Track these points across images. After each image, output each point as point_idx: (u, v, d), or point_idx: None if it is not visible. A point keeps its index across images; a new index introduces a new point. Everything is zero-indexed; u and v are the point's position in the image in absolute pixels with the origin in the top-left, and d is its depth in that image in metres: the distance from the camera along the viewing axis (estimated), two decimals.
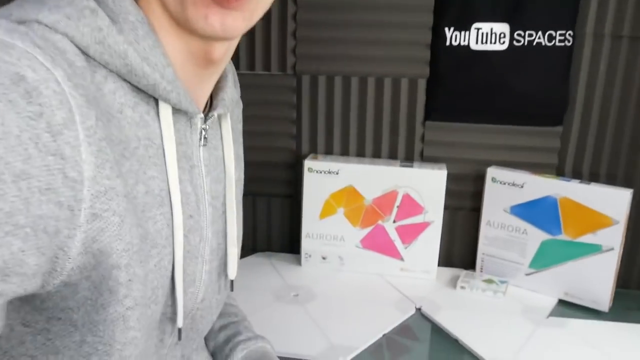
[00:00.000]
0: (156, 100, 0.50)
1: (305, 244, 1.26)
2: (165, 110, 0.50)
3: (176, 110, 0.52)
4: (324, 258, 1.26)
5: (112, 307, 0.46)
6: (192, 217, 0.55)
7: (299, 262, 1.29)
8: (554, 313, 1.10)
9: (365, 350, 0.95)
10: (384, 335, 1.00)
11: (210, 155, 0.58)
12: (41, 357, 0.47)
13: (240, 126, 0.74)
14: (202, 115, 0.54)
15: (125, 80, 0.47)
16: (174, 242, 0.52)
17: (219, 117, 0.61)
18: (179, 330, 0.56)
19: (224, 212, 0.62)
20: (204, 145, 0.56)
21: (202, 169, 0.56)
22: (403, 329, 1.03)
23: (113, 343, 0.47)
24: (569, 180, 1.12)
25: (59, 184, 0.39)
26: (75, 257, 0.42)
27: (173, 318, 0.56)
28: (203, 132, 0.56)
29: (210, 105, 0.59)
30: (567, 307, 1.13)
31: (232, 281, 0.66)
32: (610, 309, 1.10)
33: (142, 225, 0.47)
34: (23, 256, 0.37)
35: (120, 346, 0.48)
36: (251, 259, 1.33)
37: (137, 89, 0.48)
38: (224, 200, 0.61)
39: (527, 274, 1.18)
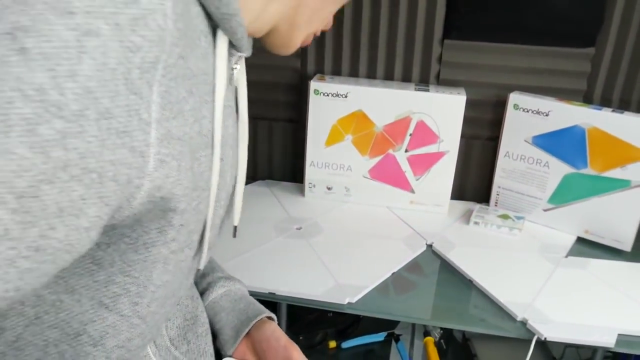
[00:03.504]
0: (213, 31, 0.46)
1: (310, 172, 1.17)
2: (223, 43, 0.47)
3: (230, 46, 0.49)
4: (329, 188, 1.18)
5: (157, 249, 0.45)
6: (222, 160, 0.52)
7: (302, 192, 1.21)
8: (572, 252, 1.04)
9: (373, 289, 0.90)
10: (392, 274, 0.94)
11: (232, 95, 0.55)
12: (50, 296, 0.43)
13: None
14: (244, 54, 0.52)
15: (200, 4, 0.43)
16: (211, 186, 0.50)
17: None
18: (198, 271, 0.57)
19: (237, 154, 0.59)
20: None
21: (230, 110, 0.53)
22: (413, 267, 0.97)
23: (148, 285, 0.46)
24: (599, 109, 1.02)
25: (135, 126, 0.36)
26: (136, 207, 0.39)
27: (194, 261, 0.55)
28: (234, 71, 0.53)
29: None
30: (587, 246, 1.06)
31: (235, 227, 0.63)
32: (633, 248, 1.04)
33: (193, 167, 0.44)
34: (83, 205, 0.34)
35: (155, 288, 0.47)
36: (251, 187, 1.25)
37: (207, 16, 0.45)
38: (237, 143, 0.58)
39: (545, 210, 1.11)
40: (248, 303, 0.73)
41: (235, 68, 0.53)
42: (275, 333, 0.69)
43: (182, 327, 0.64)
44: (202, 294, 0.73)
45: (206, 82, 0.46)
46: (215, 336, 0.71)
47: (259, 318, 0.70)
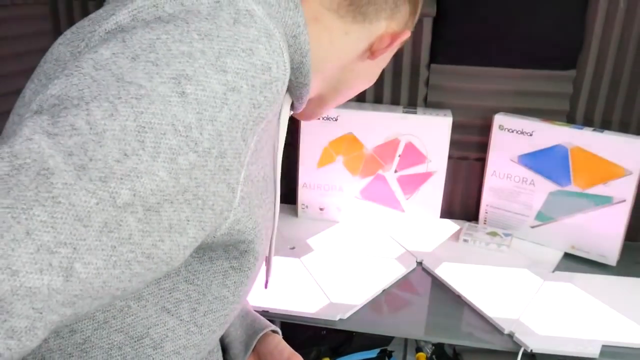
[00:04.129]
0: None
1: (302, 194, 1.20)
2: (287, 104, 0.56)
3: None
4: (321, 209, 1.21)
5: (219, 262, 0.51)
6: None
7: (295, 213, 1.24)
8: (559, 267, 1.06)
9: (364, 306, 0.92)
10: (383, 290, 0.96)
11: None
12: (119, 302, 0.48)
13: None
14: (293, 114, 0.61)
15: None
16: (274, 225, 0.59)
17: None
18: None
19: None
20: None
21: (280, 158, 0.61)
22: (403, 284, 0.99)
23: (207, 293, 0.51)
24: (581, 128, 1.05)
25: (235, 166, 0.43)
26: (218, 237, 0.45)
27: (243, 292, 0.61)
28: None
29: None
30: (573, 261, 1.09)
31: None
32: (618, 262, 1.06)
33: (260, 207, 0.51)
34: (187, 225, 0.40)
35: (212, 298, 0.52)
36: None
37: None
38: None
39: (533, 227, 1.14)
40: (254, 318, 0.77)
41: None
42: (279, 346, 0.73)
43: None
44: None
45: (273, 137, 0.53)
46: (224, 350, 0.74)
47: (264, 331, 0.74)
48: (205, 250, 0.50)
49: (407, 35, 0.61)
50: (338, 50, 0.58)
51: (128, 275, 0.38)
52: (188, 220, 0.40)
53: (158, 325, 0.50)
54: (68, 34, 0.47)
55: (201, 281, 0.51)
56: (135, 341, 0.49)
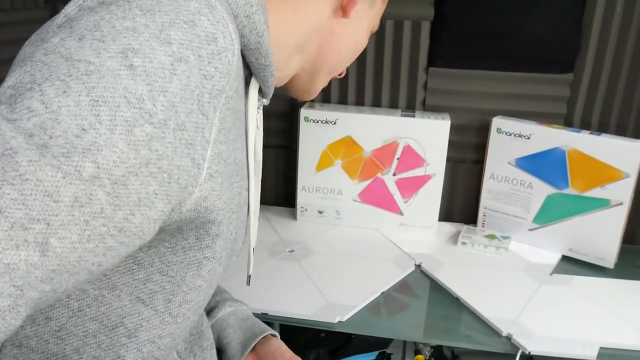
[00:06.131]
0: (246, 79, 0.54)
1: (301, 197, 1.21)
2: (254, 89, 0.56)
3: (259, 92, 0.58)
4: (320, 212, 1.21)
5: (193, 252, 0.51)
6: (247, 191, 0.60)
7: (294, 217, 1.24)
8: (557, 270, 1.07)
9: (363, 308, 0.92)
10: (382, 293, 0.97)
11: (259, 135, 0.64)
12: (94, 291, 0.49)
13: None
14: (266, 102, 0.61)
15: (242, 55, 0.51)
16: (248, 211, 0.59)
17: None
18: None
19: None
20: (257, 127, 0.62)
21: (256, 146, 0.61)
22: (402, 287, 1.00)
23: (181, 284, 0.52)
24: (578, 131, 1.06)
25: (198, 141, 0.43)
26: (184, 212, 0.45)
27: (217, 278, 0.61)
28: (258, 115, 0.61)
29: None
30: (571, 264, 1.09)
31: (249, 276, 0.72)
32: (616, 265, 1.07)
33: (229, 189, 0.51)
34: (155, 199, 0.41)
35: (187, 289, 0.52)
36: None
37: (246, 65, 0.53)
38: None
39: (531, 230, 1.14)
40: (254, 322, 0.79)
41: (259, 112, 0.61)
42: (280, 348, 0.75)
43: (189, 341, 0.68)
44: (210, 311, 0.78)
45: (241, 120, 0.53)
46: (222, 351, 0.76)
47: (264, 334, 0.75)
48: (177, 239, 0.50)
49: None
50: (304, 17, 0.58)
51: (102, 249, 0.39)
52: (156, 194, 0.41)
53: (132, 315, 0.51)
54: (33, 36, 0.50)
55: (175, 272, 0.51)
56: (109, 330, 0.50)
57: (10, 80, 0.40)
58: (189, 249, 0.51)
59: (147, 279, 0.50)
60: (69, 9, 0.45)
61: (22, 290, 0.34)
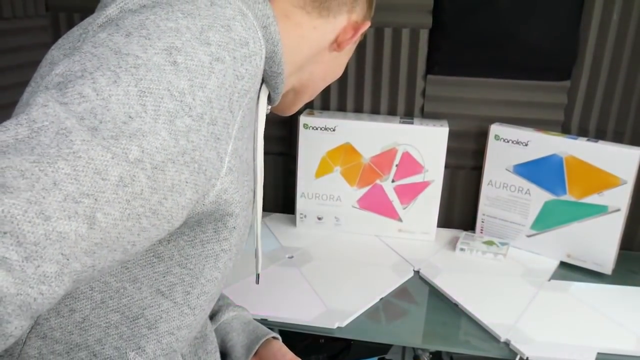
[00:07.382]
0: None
1: (300, 203, 1.21)
2: (264, 95, 0.59)
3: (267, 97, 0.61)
4: (319, 218, 1.22)
5: (210, 245, 0.53)
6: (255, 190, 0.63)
7: (293, 223, 1.25)
8: (555, 276, 1.07)
9: (362, 314, 0.92)
10: (381, 299, 0.97)
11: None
12: (115, 284, 0.51)
13: None
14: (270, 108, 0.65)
15: None
16: (255, 208, 0.62)
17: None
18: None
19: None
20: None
21: (261, 149, 0.64)
22: (401, 293, 1.00)
23: (200, 277, 0.54)
24: (575, 138, 1.07)
25: (224, 136, 0.47)
26: (207, 205, 0.48)
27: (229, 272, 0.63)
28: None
29: None
30: (569, 270, 1.10)
31: (258, 275, 0.75)
32: (613, 271, 1.07)
33: (243, 185, 0.54)
34: (185, 187, 0.44)
35: (205, 281, 0.54)
36: None
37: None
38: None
39: (529, 236, 1.15)
40: (256, 326, 0.80)
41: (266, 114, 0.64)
42: (282, 350, 0.77)
43: (193, 345, 0.68)
44: (213, 315, 0.79)
45: (252, 123, 0.57)
46: (226, 354, 0.77)
47: (267, 337, 0.77)
48: (196, 233, 0.52)
49: (367, 25, 0.68)
50: (308, 43, 0.63)
51: (138, 228, 0.42)
52: (187, 182, 0.44)
53: (153, 306, 0.53)
54: (60, 40, 0.52)
55: (194, 265, 0.53)
56: (131, 321, 0.52)
57: (58, 69, 0.43)
58: (207, 242, 0.53)
59: (167, 271, 0.52)
60: (109, 11, 0.49)
61: (68, 260, 0.37)
